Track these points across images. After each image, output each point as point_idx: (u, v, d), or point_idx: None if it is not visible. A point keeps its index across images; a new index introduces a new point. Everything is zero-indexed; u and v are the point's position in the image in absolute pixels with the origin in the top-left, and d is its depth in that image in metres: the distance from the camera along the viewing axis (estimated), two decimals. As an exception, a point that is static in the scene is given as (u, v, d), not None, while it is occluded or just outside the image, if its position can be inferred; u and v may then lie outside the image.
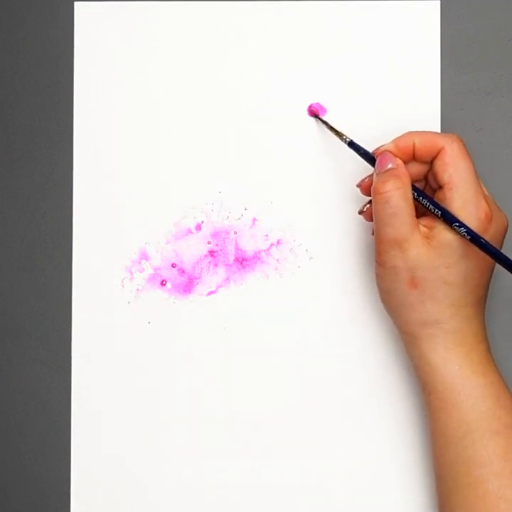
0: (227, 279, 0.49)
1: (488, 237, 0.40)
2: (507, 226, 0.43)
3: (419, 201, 0.42)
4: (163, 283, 0.49)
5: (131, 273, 0.49)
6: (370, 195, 0.43)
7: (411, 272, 0.41)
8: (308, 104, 0.49)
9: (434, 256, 0.41)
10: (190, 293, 0.49)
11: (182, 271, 0.49)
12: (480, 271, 0.41)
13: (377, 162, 0.43)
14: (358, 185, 0.45)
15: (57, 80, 0.50)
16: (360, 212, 0.45)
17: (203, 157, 0.49)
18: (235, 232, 0.49)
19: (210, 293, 0.49)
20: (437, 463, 0.42)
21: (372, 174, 0.44)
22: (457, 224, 0.40)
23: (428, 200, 0.42)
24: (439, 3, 0.49)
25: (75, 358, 0.49)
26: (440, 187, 0.42)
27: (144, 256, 0.49)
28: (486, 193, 0.42)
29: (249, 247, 0.49)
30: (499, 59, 0.49)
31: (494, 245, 0.40)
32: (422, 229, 0.41)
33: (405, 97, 0.49)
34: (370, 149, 0.44)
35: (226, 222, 0.49)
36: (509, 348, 0.48)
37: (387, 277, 0.42)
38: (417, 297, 0.41)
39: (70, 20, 0.50)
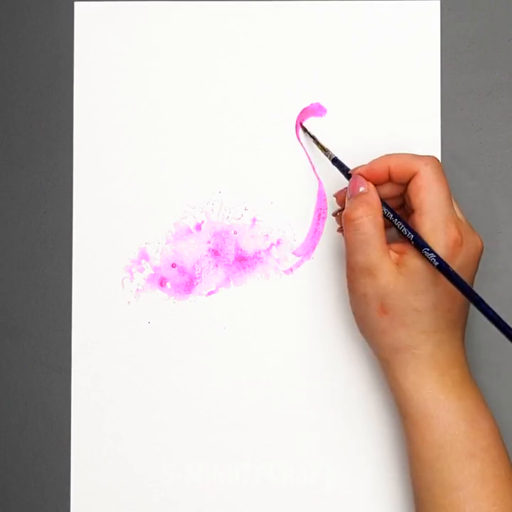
0: (227, 279, 0.49)
1: (456, 263, 0.40)
2: (481, 250, 0.42)
3: (393, 223, 0.42)
4: (163, 283, 0.49)
5: (131, 273, 0.49)
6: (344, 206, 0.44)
7: (381, 299, 0.41)
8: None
9: (402, 283, 0.40)
10: (190, 293, 0.49)
11: (182, 271, 0.49)
12: (450, 296, 0.41)
13: (349, 185, 0.43)
14: (335, 196, 0.45)
15: (57, 79, 0.50)
16: (334, 215, 0.46)
17: (202, 157, 0.49)
18: (235, 232, 0.49)
19: (210, 293, 0.49)
20: (414, 484, 0.42)
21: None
22: (427, 249, 0.40)
23: (402, 222, 0.41)
24: (439, 3, 0.49)
25: (75, 358, 0.49)
26: (413, 211, 0.42)
27: (144, 256, 0.49)
28: (460, 216, 0.42)
29: (249, 247, 0.49)
30: (499, 59, 0.49)
31: (463, 271, 0.40)
32: (393, 255, 0.41)
33: (405, 97, 0.49)
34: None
35: (226, 222, 0.49)
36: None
37: (358, 304, 0.42)
38: (388, 324, 0.41)
39: (70, 20, 0.50)
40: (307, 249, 0.49)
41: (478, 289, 0.49)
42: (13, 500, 0.49)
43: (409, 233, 0.41)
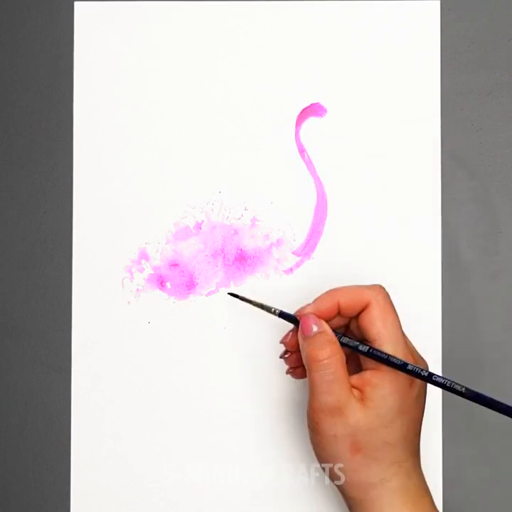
0: (227, 279, 0.49)
1: (416, 388, 0.41)
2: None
3: (359, 350, 0.41)
4: (163, 283, 0.49)
5: (131, 273, 0.49)
6: (295, 350, 0.43)
7: (352, 438, 0.40)
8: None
9: (372, 417, 0.40)
10: (190, 293, 0.49)
11: (182, 271, 0.49)
12: (415, 423, 0.41)
13: (301, 326, 0.42)
14: (282, 342, 0.44)
15: (57, 80, 0.50)
16: (282, 357, 0.45)
17: (202, 157, 0.49)
18: (235, 232, 0.49)
19: (210, 293, 0.49)
20: None
21: (293, 329, 0.43)
22: (411, 365, 0.40)
23: (368, 346, 0.41)
24: (439, 3, 0.49)
25: (75, 358, 0.49)
26: (370, 341, 0.41)
27: (144, 256, 0.49)
28: (410, 344, 0.42)
29: (249, 247, 0.49)
30: (499, 59, 0.49)
31: (420, 397, 0.41)
32: (354, 391, 0.41)
33: (405, 97, 0.49)
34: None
35: (226, 222, 0.49)
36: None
37: (327, 446, 0.41)
38: (361, 461, 0.40)
39: (70, 20, 0.50)
40: (307, 249, 0.49)
41: (478, 288, 0.49)
42: (13, 500, 0.49)
43: (382, 353, 0.40)
